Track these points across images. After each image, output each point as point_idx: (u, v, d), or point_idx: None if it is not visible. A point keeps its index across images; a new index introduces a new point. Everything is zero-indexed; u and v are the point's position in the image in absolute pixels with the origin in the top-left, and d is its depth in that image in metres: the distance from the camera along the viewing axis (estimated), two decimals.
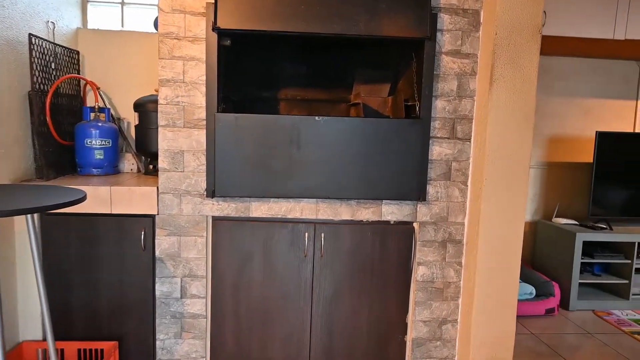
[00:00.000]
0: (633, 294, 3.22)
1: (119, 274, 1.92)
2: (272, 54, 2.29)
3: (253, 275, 1.97)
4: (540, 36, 1.70)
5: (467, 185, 1.93)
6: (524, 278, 3.23)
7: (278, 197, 1.90)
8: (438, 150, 1.90)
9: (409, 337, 2.04)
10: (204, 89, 1.85)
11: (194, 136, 1.87)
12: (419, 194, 1.89)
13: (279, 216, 1.92)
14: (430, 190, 1.92)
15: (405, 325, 2.03)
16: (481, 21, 1.83)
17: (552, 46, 3.05)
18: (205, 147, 1.87)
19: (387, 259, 1.97)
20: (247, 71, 2.27)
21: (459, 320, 2.00)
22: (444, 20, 1.83)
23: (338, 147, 1.87)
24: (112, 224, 1.89)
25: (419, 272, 1.98)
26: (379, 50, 2.25)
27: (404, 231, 1.96)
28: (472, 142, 1.90)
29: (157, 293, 1.94)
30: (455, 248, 1.96)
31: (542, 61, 3.44)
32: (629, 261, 3.14)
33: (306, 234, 1.94)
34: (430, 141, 1.89)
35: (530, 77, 1.71)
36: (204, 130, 1.87)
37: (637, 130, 3.52)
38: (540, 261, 3.44)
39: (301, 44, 2.27)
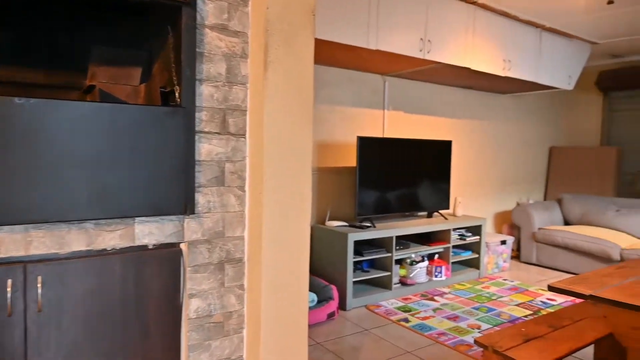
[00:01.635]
0: (394, 284, 3.54)
1: None
2: None
3: None
4: (314, 18, 1.51)
5: (245, 191, 1.60)
6: None
7: None
8: (207, 149, 1.51)
9: None
10: None
11: None
12: (185, 206, 1.45)
13: None
14: (200, 199, 1.51)
15: None
16: None
17: (316, 53, 3.09)
18: None
19: (146, 298, 1.46)
20: None
21: (244, 356, 1.65)
22: None
23: (62, 146, 1.26)
24: None
25: (192, 307, 1.53)
26: (126, 22, 1.72)
27: (168, 256, 1.48)
28: (247, 137, 1.58)
29: None
30: (236, 269, 1.61)
31: None
32: (390, 254, 3.43)
33: (9, 282, 1.24)
34: (197, 137, 1.49)
35: (307, 62, 1.50)
36: None
37: (385, 135, 3.95)
38: (318, 266, 3.44)
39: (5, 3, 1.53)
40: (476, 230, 4.05)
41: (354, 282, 3.54)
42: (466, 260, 4.13)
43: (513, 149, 5.13)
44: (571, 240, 4.09)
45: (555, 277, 4.04)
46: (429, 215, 4.02)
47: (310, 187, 1.56)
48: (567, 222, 4.69)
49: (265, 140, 1.48)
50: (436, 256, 3.84)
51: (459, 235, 3.99)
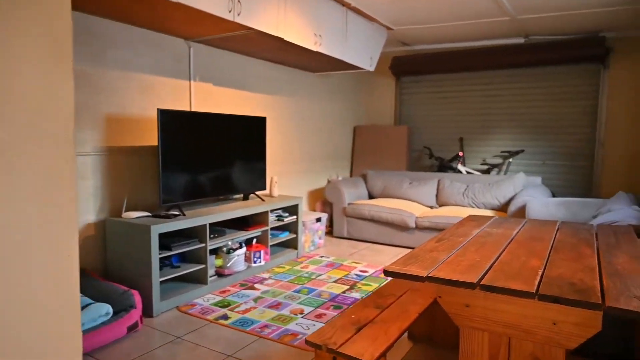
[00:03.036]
0: (210, 277, 3.16)
1: None
2: None
3: None
4: None
5: None
6: (97, 295, 2.50)
7: None
8: None
9: None
10: None
11: None
12: None
13: None
14: None
15: None
16: None
17: (102, 2, 2.40)
18: None
19: None
20: None
21: None
22: None
23: None
24: None
25: None
26: None
27: None
28: None
29: None
30: None
31: (90, 23, 2.72)
32: (203, 244, 3.02)
33: None
34: None
35: None
36: None
37: (193, 109, 3.46)
38: (115, 268, 2.80)
39: None
40: (293, 209, 3.97)
41: (162, 282, 3.02)
42: (285, 241, 4.02)
43: (323, 127, 5.25)
44: (376, 212, 4.38)
45: (365, 248, 4.29)
46: (245, 198, 3.74)
47: (75, 167, 1.05)
48: (371, 196, 5.05)
49: None
50: (254, 241, 3.60)
51: (277, 216, 3.83)
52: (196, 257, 3.08)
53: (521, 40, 4.95)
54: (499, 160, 5.22)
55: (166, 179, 2.90)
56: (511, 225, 1.96)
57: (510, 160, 5.01)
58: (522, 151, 4.94)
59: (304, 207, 4.97)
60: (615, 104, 4.61)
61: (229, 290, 3.11)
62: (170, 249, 2.82)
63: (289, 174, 4.70)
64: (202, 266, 3.04)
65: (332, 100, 5.38)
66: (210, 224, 3.24)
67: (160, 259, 2.92)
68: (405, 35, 5.00)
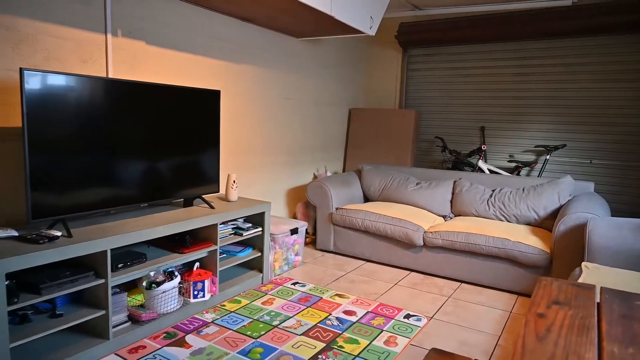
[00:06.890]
0: (117, 326, 2.11)
1: None
2: None
3: None
4: None
5: None
6: None
7: None
8: None
9: None
10: None
11: None
12: None
13: None
14: None
15: None
16: None
17: None
18: None
19: None
20: None
21: None
22: None
23: None
24: None
25: None
26: None
27: None
28: None
29: None
30: None
31: None
32: (103, 280, 1.97)
33: None
34: None
35: None
36: None
37: (112, 76, 2.37)
38: None
39: None
40: (258, 219, 2.91)
41: (35, 341, 1.96)
42: (247, 261, 2.98)
43: (309, 109, 4.15)
44: (372, 223, 3.32)
45: (355, 269, 3.23)
46: (188, 204, 2.67)
47: None
48: (367, 198, 3.98)
49: None
50: (196, 266, 2.55)
51: (234, 228, 2.77)
52: (93, 299, 2.03)
53: (568, 2, 3.81)
54: (531, 157, 4.13)
55: (41, 177, 1.84)
56: None
57: (548, 157, 3.91)
58: (564, 146, 3.84)
59: (279, 211, 3.90)
60: None
61: (143, 348, 2.06)
62: (38, 292, 1.77)
63: (258, 169, 3.63)
64: (101, 312, 1.99)
65: (321, 75, 4.27)
66: (115, 249, 2.18)
67: (32, 306, 1.88)
68: None
